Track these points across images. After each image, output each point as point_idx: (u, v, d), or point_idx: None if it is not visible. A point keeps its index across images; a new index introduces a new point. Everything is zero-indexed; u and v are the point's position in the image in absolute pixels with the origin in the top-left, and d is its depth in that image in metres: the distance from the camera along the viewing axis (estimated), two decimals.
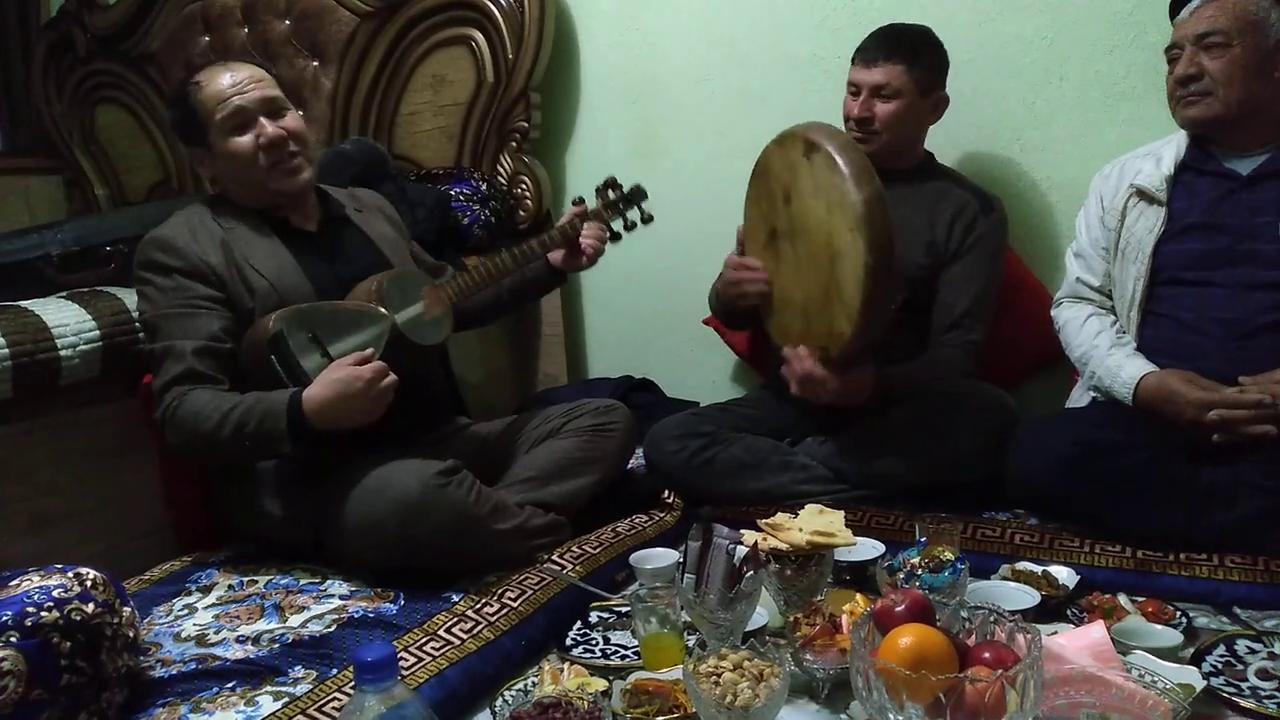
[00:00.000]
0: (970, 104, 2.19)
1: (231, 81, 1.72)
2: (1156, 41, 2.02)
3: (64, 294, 1.88)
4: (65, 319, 1.75)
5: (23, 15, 3.71)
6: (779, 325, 1.93)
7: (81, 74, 3.43)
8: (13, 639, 1.09)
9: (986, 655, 1.03)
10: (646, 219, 2.04)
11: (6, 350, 1.63)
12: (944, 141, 2.16)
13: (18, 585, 1.16)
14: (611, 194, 2.01)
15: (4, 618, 1.09)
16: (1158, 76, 2.02)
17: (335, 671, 1.31)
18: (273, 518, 1.69)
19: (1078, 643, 1.22)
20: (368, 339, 1.66)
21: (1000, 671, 0.97)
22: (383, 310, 1.69)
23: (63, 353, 1.71)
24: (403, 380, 1.60)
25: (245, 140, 1.71)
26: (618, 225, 2.02)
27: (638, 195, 2.03)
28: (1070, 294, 1.95)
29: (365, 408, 1.56)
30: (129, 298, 1.90)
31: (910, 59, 1.96)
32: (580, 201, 2.00)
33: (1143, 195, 1.81)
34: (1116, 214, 1.85)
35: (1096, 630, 1.23)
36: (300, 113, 1.86)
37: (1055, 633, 1.27)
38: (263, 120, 1.72)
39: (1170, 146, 1.83)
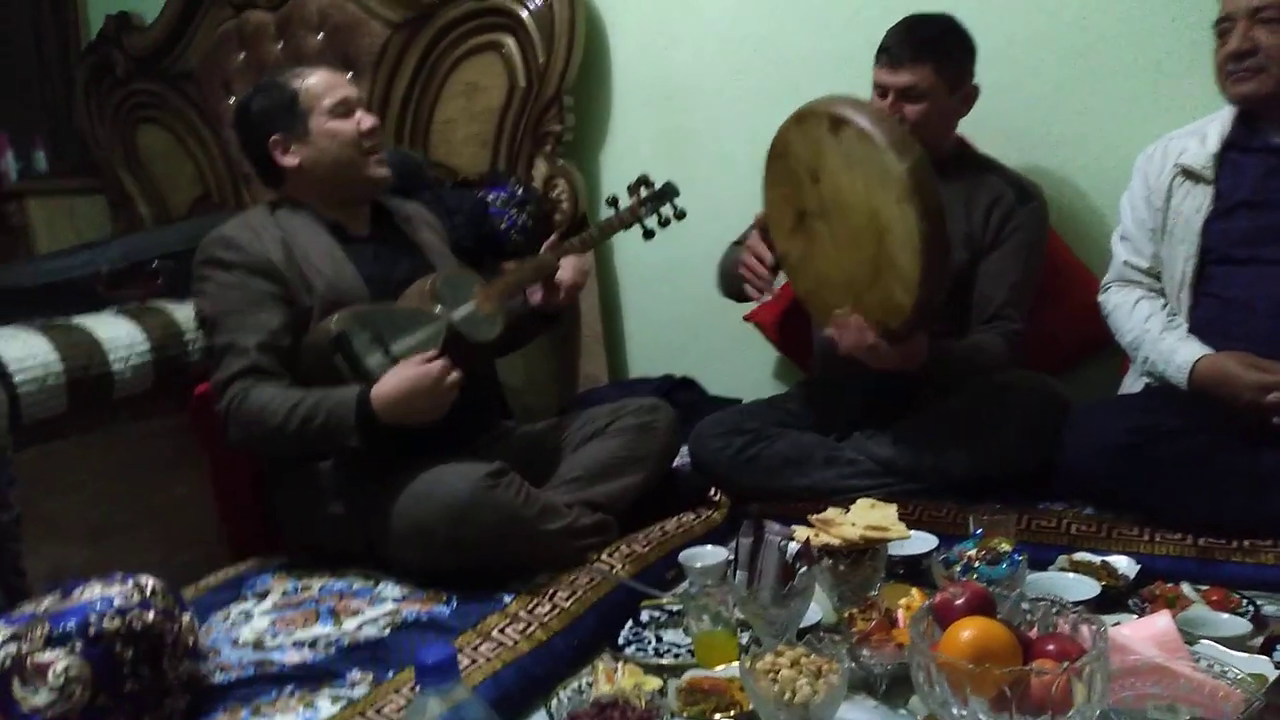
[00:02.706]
0: (1006, 90, 2.16)
1: (332, 77, 1.84)
2: (1196, 22, 1.99)
3: (114, 309, 1.92)
4: (117, 334, 1.78)
5: (62, 40, 3.80)
6: (822, 302, 1.88)
7: (121, 95, 3.49)
8: (77, 647, 1.11)
9: (1051, 647, 1.01)
10: (679, 215, 2.04)
11: (61, 366, 1.66)
12: (981, 129, 2.12)
13: (80, 595, 1.18)
14: (644, 192, 2.01)
15: (68, 627, 1.11)
16: (1197, 58, 1.99)
17: (392, 674, 1.31)
18: (324, 524, 1.70)
19: (1142, 633, 1.19)
20: (426, 338, 1.69)
21: (1066, 664, 0.95)
22: (438, 309, 1.72)
23: (115, 368, 1.75)
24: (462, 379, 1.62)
25: (349, 124, 1.79)
26: (651, 223, 2.02)
27: (669, 192, 2.03)
28: (1118, 278, 1.91)
29: (432, 404, 1.59)
30: (178, 312, 1.93)
31: (938, 57, 1.90)
32: (613, 201, 2.00)
33: (1188, 174, 1.78)
34: (1162, 194, 1.81)
35: (1162, 620, 1.20)
36: None
37: (1118, 624, 1.24)
38: (361, 111, 1.82)
39: (1215, 124, 1.79)
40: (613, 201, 2.01)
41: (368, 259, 1.82)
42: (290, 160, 1.80)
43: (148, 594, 1.19)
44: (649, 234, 2.03)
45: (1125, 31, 2.09)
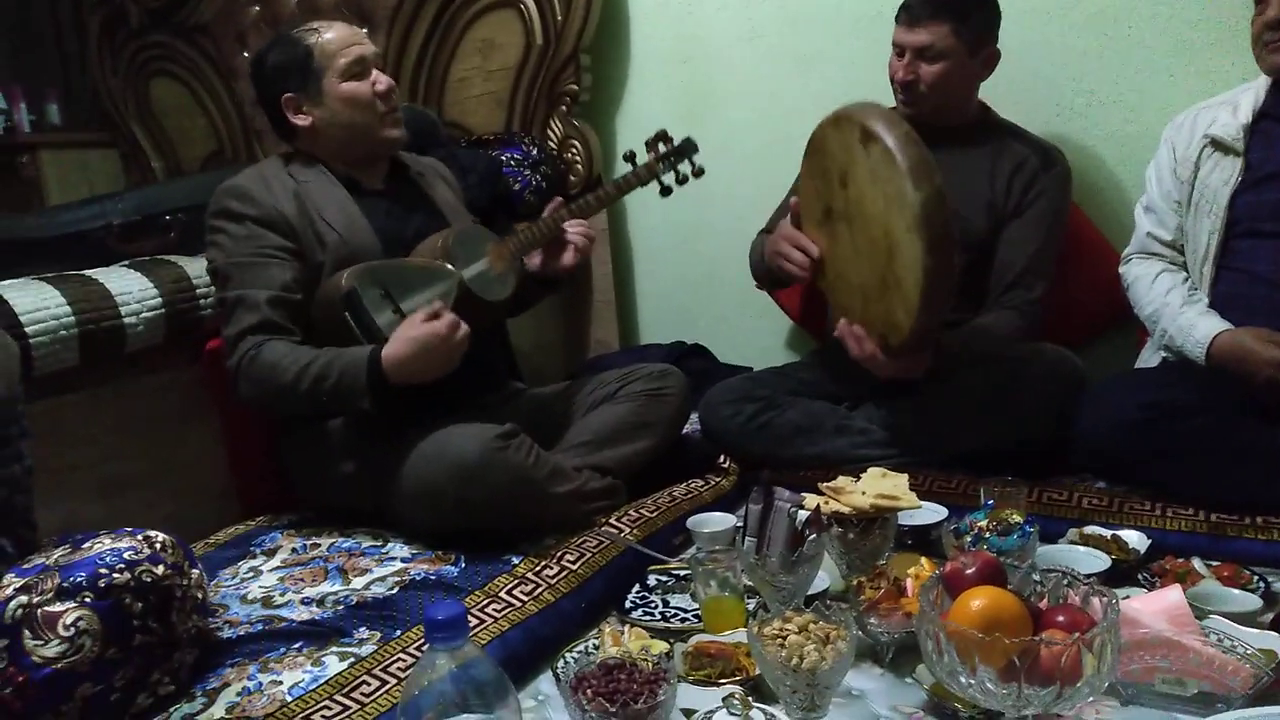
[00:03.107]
0: (1033, 56, 2.12)
1: (349, 32, 1.80)
2: None
3: (126, 263, 1.91)
4: (129, 287, 1.77)
5: None
6: (837, 299, 1.88)
7: (135, 47, 3.47)
8: (87, 599, 1.11)
9: (1061, 619, 1.00)
10: (697, 172, 1.99)
11: (73, 318, 1.66)
12: (1005, 95, 2.09)
13: (90, 548, 1.18)
14: (662, 147, 1.97)
15: (78, 579, 1.11)
16: (1228, 28, 1.95)
17: (399, 633, 1.32)
18: (334, 482, 1.70)
19: (1153, 606, 1.19)
20: (437, 294, 1.69)
21: (1077, 635, 0.95)
22: (450, 267, 1.71)
23: (127, 320, 1.74)
24: (471, 336, 1.62)
25: (364, 86, 1.76)
26: (669, 179, 1.98)
27: (689, 148, 1.99)
28: (1140, 250, 1.89)
29: (443, 362, 1.58)
30: (190, 266, 1.92)
31: (957, 18, 1.87)
32: (630, 156, 1.97)
33: (1218, 145, 1.74)
34: (1190, 165, 1.78)
35: (1173, 594, 1.20)
36: None
37: (1128, 597, 1.24)
38: (376, 72, 1.78)
39: (1248, 94, 1.75)
40: (630, 157, 1.98)
41: (381, 214, 1.80)
42: (303, 120, 1.78)
43: (158, 548, 1.19)
44: (666, 190, 1.98)
45: (1153, 1, 2.04)
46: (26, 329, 1.60)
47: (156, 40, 3.40)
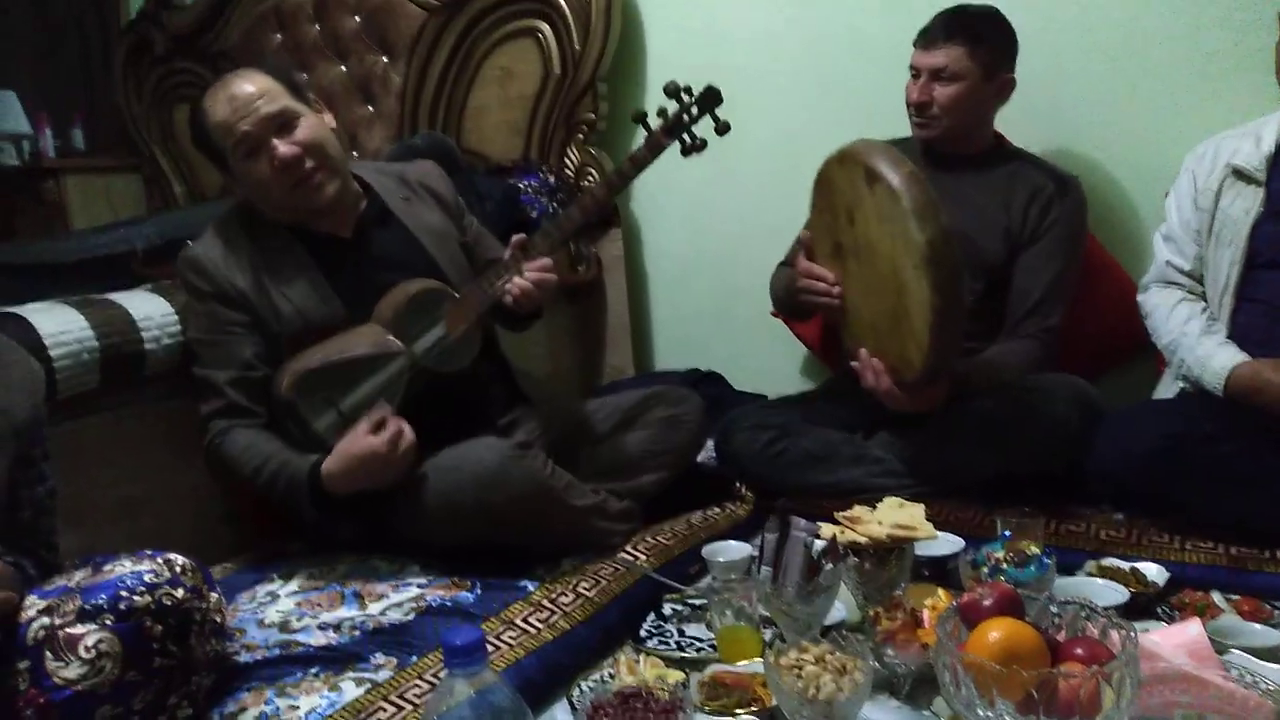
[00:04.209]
0: (1048, 85, 2.13)
1: (231, 108, 1.63)
2: (1246, 20, 1.96)
3: (148, 286, 1.93)
4: (149, 311, 1.79)
5: (102, 20, 3.83)
6: (851, 333, 1.89)
7: (160, 74, 3.52)
8: (108, 622, 1.11)
9: (1079, 651, 1.00)
10: (722, 129, 1.76)
11: (96, 342, 1.67)
12: (1020, 123, 2.10)
13: (111, 570, 1.19)
14: (685, 98, 1.74)
15: (99, 601, 1.12)
16: (1247, 57, 1.96)
17: (415, 659, 1.32)
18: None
19: (1173, 640, 1.18)
20: (385, 380, 1.66)
21: (1095, 667, 0.94)
22: (399, 345, 1.67)
23: (147, 344, 1.75)
24: (445, 398, 1.61)
25: (261, 166, 1.64)
26: (700, 129, 1.76)
27: (711, 99, 1.75)
28: (1158, 278, 1.88)
29: (387, 473, 1.57)
30: None
31: (972, 41, 1.90)
32: (639, 117, 1.77)
33: (1240, 175, 1.74)
34: (1210, 195, 1.78)
35: (1192, 627, 1.19)
36: (323, 113, 1.76)
37: (1147, 631, 1.23)
38: (274, 141, 1.63)
39: (1271, 125, 1.75)
40: (639, 118, 1.77)
41: (347, 270, 1.73)
42: (239, 194, 1.75)
43: (178, 571, 1.20)
44: (688, 149, 1.77)
45: (1172, 28, 2.05)
46: (50, 352, 1.61)
47: (181, 67, 3.45)
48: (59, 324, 1.66)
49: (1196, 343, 1.74)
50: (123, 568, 1.18)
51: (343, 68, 3.04)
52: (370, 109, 3.00)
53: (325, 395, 1.65)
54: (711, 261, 2.67)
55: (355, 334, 1.69)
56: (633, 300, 2.76)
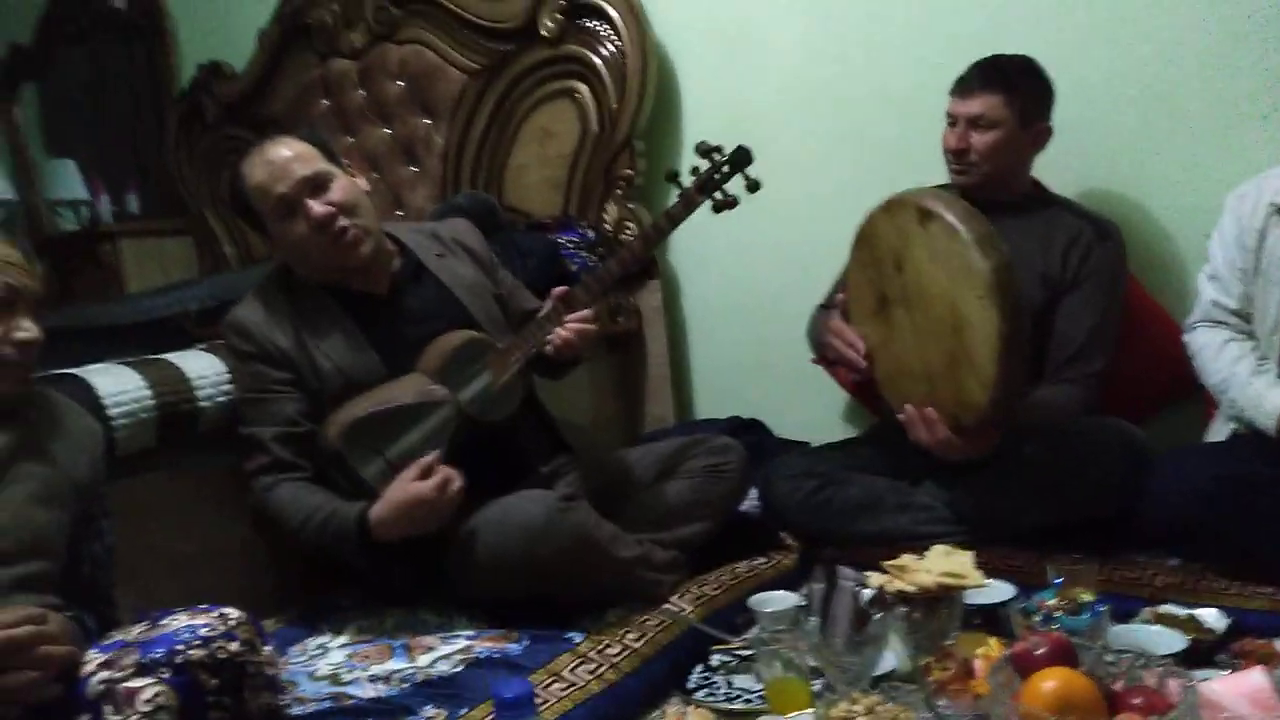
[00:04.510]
0: (1082, 132, 2.14)
1: (268, 171, 1.70)
2: (1278, 64, 1.95)
3: (202, 346, 1.98)
4: (203, 370, 1.83)
5: (155, 89, 3.99)
6: (895, 392, 1.88)
7: (211, 140, 3.64)
8: (164, 675, 1.13)
9: (1137, 701, 0.99)
10: (753, 187, 1.79)
11: (153, 400, 1.72)
12: (1057, 170, 2.11)
13: (167, 624, 1.21)
14: (716, 158, 1.79)
15: (156, 655, 1.14)
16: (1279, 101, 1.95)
17: (465, 711, 1.33)
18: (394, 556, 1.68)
19: (1235, 689, 1.15)
20: (431, 429, 1.68)
21: (1154, 718, 0.93)
22: (444, 394, 1.70)
23: (201, 401, 1.80)
24: (489, 448, 1.64)
25: (298, 226, 1.69)
26: (727, 189, 1.80)
27: (742, 159, 1.79)
28: (1205, 317, 1.86)
29: (434, 519, 1.58)
30: None
31: (1008, 89, 1.92)
32: (672, 176, 1.83)
33: None
34: (1255, 234, 1.76)
35: (1256, 675, 1.16)
36: (356, 177, 1.82)
37: (1207, 679, 1.20)
38: (308, 201, 1.69)
39: None
40: (670, 177, 1.83)
41: (383, 324, 1.77)
42: (279, 257, 1.81)
43: (232, 625, 1.22)
44: (720, 206, 1.80)
45: (1206, 73, 2.06)
46: (109, 411, 1.66)
47: (231, 133, 3.56)
48: (117, 384, 1.71)
49: (1247, 383, 1.71)
50: (178, 622, 1.21)
51: (387, 131, 3.12)
52: (414, 169, 3.08)
53: (372, 444, 1.67)
54: (750, 311, 2.68)
55: (400, 384, 1.73)
56: (673, 350, 2.77)
